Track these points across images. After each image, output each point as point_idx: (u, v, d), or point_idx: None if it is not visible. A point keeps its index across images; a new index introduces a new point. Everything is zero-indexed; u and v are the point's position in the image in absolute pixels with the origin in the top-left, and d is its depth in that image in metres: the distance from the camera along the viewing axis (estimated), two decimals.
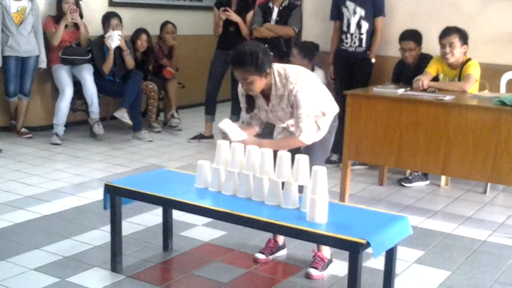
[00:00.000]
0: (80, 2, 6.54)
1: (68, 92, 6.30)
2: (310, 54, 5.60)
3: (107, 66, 6.46)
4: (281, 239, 3.63)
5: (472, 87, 4.64)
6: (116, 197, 3.27)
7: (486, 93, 4.75)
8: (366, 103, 4.51)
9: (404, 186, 5.12)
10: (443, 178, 5.15)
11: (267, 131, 3.54)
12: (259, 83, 3.19)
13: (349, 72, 5.60)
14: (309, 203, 2.81)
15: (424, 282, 3.38)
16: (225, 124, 3.26)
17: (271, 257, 3.58)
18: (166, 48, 7.28)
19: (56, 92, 6.53)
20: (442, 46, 4.73)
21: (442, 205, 4.69)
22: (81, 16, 6.45)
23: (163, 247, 3.65)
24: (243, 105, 3.45)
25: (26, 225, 4.00)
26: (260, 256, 3.56)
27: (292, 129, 3.37)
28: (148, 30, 6.86)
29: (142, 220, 4.12)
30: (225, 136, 3.26)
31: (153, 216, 4.14)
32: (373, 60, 5.58)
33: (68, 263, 3.44)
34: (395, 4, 5.66)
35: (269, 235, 3.63)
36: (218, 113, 6.45)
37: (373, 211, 3.18)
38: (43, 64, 6.36)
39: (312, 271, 3.36)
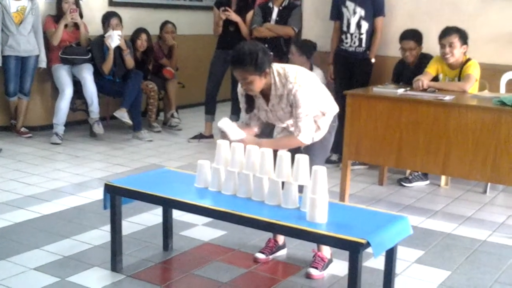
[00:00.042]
0: (80, 1, 6.54)
1: (68, 91, 6.29)
2: (308, 52, 5.60)
3: (107, 66, 6.46)
4: (281, 238, 3.63)
5: (472, 87, 4.64)
6: (116, 196, 3.27)
7: (486, 93, 4.75)
8: (366, 103, 4.51)
9: (404, 186, 5.12)
10: (443, 178, 5.15)
11: (267, 131, 3.53)
12: (259, 83, 3.19)
13: (349, 72, 5.60)
14: (309, 203, 2.81)
15: (424, 282, 3.38)
16: (224, 123, 3.26)
17: (271, 256, 3.58)
18: (166, 48, 7.28)
19: (56, 92, 6.53)
20: (442, 46, 4.73)
21: (442, 205, 4.69)
22: (81, 16, 6.45)
23: (163, 247, 3.65)
24: (242, 105, 3.45)
25: (26, 224, 4.00)
26: (260, 255, 3.56)
27: (292, 129, 3.37)
28: (148, 29, 6.86)
29: (142, 220, 4.12)
30: (224, 135, 3.26)
31: (153, 215, 4.13)
32: (373, 60, 5.58)
33: (68, 263, 3.44)
34: (395, 4, 5.66)
35: (269, 234, 3.62)
36: (218, 113, 6.44)
37: (373, 211, 3.18)
38: (43, 63, 6.36)
39: (312, 271, 3.36)
